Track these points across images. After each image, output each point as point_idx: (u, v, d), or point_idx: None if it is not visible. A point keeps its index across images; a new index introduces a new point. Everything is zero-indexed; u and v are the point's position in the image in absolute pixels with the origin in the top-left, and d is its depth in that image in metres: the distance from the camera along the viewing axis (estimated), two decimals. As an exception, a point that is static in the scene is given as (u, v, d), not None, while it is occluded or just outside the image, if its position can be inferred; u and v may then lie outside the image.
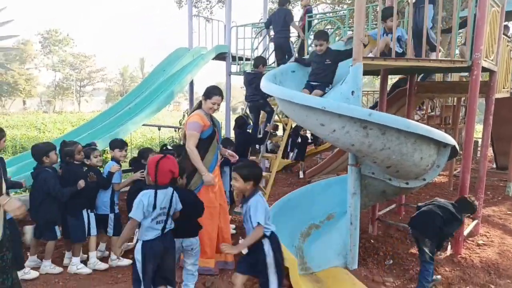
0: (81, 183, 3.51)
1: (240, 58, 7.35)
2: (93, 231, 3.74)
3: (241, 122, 5.30)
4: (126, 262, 3.87)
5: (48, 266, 3.56)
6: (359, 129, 2.95)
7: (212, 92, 3.60)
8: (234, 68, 7.41)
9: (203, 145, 3.58)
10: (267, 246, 2.68)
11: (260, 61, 5.54)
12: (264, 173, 5.32)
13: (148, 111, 5.30)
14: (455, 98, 7.72)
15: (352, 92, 3.38)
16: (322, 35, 4.11)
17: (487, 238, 4.83)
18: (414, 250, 4.34)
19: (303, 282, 3.19)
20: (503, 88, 5.51)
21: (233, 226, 4.78)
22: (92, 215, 3.75)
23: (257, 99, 5.33)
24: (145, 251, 2.63)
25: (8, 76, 35.21)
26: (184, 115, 10.42)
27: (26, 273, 3.39)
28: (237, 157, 3.98)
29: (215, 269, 3.63)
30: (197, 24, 7.37)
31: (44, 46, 44.22)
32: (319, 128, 3.12)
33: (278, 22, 6.09)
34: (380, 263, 3.95)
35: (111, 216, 3.86)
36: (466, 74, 6.65)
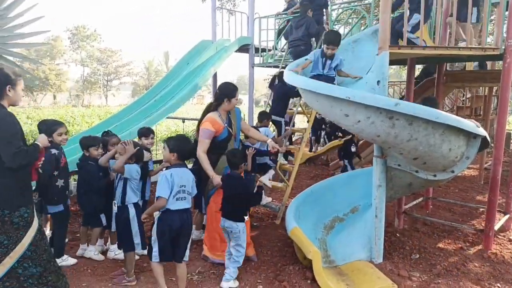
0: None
1: (263, 50, 7.32)
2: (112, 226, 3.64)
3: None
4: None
5: (92, 251, 3.71)
6: (384, 119, 2.89)
7: (234, 90, 3.66)
8: (257, 60, 7.39)
9: (220, 146, 3.65)
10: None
11: (308, 7, 5.57)
12: (287, 165, 5.31)
13: (173, 104, 5.39)
14: (487, 88, 7.41)
15: (378, 82, 3.31)
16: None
17: (520, 233, 4.66)
18: (441, 244, 4.24)
19: (327, 275, 3.18)
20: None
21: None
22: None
23: (298, 44, 5.40)
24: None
25: (39, 71, 36.54)
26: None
27: (64, 260, 3.53)
28: (278, 148, 3.83)
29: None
30: (221, 17, 7.40)
31: (73, 41, 45.51)
32: (344, 119, 3.08)
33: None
34: (406, 258, 3.87)
35: (140, 202, 3.85)
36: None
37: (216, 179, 3.48)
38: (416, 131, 2.91)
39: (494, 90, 7.34)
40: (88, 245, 3.79)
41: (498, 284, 3.36)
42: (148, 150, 4.05)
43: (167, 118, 6.98)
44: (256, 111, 6.29)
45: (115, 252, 3.73)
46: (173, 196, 2.84)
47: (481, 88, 7.57)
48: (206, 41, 7.11)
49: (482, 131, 3.02)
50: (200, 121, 3.71)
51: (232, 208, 3.29)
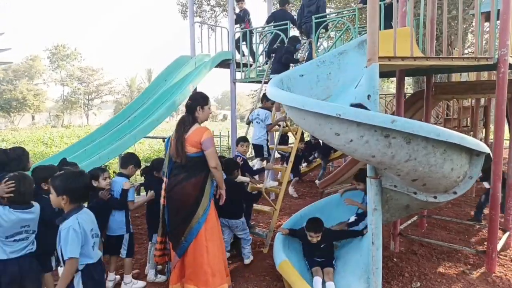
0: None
1: (245, 65, 7.04)
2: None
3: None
4: (141, 284, 3.59)
5: None
6: (380, 138, 2.58)
7: (206, 98, 3.39)
8: (238, 75, 7.11)
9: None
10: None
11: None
12: (273, 187, 4.96)
13: (148, 124, 4.98)
14: (474, 99, 7.29)
15: (369, 96, 3.01)
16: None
17: (521, 251, 4.40)
18: (442, 269, 3.93)
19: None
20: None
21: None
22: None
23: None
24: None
25: (17, 92, 35.61)
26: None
27: None
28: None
29: None
30: (200, 32, 7.13)
31: (52, 61, 44.81)
32: (334, 138, 2.75)
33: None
34: (406, 286, 3.54)
35: (127, 236, 3.55)
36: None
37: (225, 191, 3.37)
38: (415, 150, 2.60)
39: (482, 101, 7.23)
40: None
41: (509, 315, 3.06)
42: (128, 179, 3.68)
43: (146, 138, 6.59)
44: (240, 127, 6.00)
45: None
46: (91, 246, 2.33)
47: (468, 99, 7.45)
48: (184, 56, 6.78)
49: (485, 148, 2.75)
50: (182, 134, 3.24)
51: (232, 208, 3.84)
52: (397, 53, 3.27)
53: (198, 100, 3.32)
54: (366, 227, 3.72)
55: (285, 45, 5.94)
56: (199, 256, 3.16)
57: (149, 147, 16.59)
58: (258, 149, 5.31)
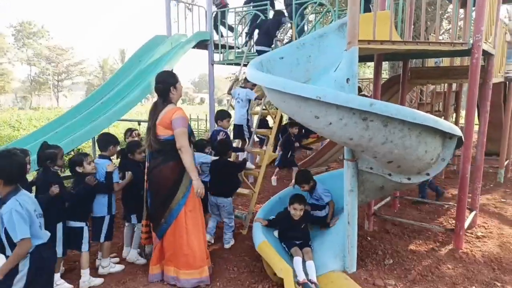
0: (54, 189, 3.00)
1: (224, 46, 6.92)
2: (85, 246, 3.29)
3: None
4: (119, 268, 3.56)
5: None
6: (358, 121, 2.63)
7: (174, 75, 3.28)
8: (217, 57, 6.98)
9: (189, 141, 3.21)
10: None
11: None
12: (252, 170, 4.98)
13: (122, 105, 4.81)
14: (446, 85, 7.51)
15: (347, 79, 3.04)
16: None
17: (486, 229, 4.66)
18: (413, 246, 4.11)
19: (299, 292, 2.88)
20: (498, 72, 5.29)
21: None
22: (86, 229, 3.31)
23: None
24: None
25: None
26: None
27: None
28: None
29: (208, 278, 3.31)
30: (177, 11, 6.88)
31: (18, 39, 42.44)
32: (314, 121, 2.78)
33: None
34: (379, 264, 3.68)
35: (107, 218, 3.48)
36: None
37: (200, 183, 3.14)
38: (392, 133, 2.67)
39: (454, 87, 7.46)
40: None
41: (474, 287, 3.25)
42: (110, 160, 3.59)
43: (121, 120, 6.41)
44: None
45: (56, 282, 3.15)
46: (38, 226, 2.26)
47: (440, 85, 7.67)
48: (160, 36, 6.56)
49: (458, 131, 2.85)
50: (154, 121, 3.16)
51: (223, 187, 4.08)
52: (376, 37, 3.30)
53: (169, 80, 3.21)
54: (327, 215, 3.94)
55: (270, 18, 5.86)
56: (179, 238, 3.16)
57: (123, 130, 16.24)
58: (239, 129, 5.28)
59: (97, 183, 3.32)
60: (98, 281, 3.32)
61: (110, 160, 3.59)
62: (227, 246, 4.10)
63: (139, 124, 9.07)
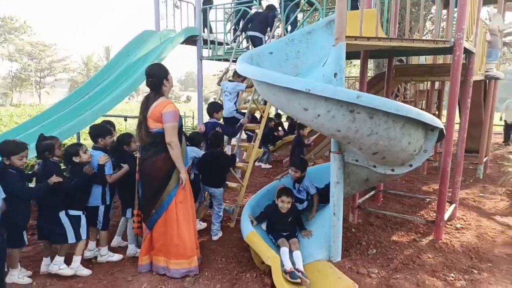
0: (54, 179, 3.08)
1: (212, 42, 6.94)
2: (84, 234, 3.36)
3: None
4: (117, 257, 3.59)
5: (15, 275, 3.14)
6: (345, 113, 2.72)
7: (164, 66, 3.31)
8: (205, 52, 7.00)
9: (180, 133, 3.25)
10: None
11: None
12: (241, 164, 5.04)
13: (110, 100, 4.80)
14: (429, 83, 7.72)
15: (335, 74, 3.14)
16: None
17: (464, 221, 4.83)
18: (395, 237, 4.24)
19: (286, 280, 2.96)
20: (479, 70, 5.49)
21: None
22: (83, 217, 3.36)
23: None
24: None
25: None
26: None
27: None
28: None
29: (197, 268, 3.36)
30: (166, 7, 6.86)
31: (-2, 34, 41.31)
32: (302, 113, 2.86)
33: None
34: (363, 253, 3.79)
35: (101, 208, 3.54)
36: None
37: (185, 175, 3.20)
38: (377, 125, 2.78)
39: (436, 86, 7.68)
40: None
41: (452, 275, 3.39)
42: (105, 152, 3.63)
43: (106, 116, 6.37)
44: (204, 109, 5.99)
45: (60, 266, 3.23)
46: None
47: (424, 83, 7.88)
48: (149, 31, 6.55)
49: (440, 123, 2.98)
50: (145, 115, 3.18)
51: (215, 178, 4.21)
52: (362, 34, 3.41)
53: (160, 73, 3.22)
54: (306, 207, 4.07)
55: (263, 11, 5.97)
56: (170, 229, 3.20)
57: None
58: (229, 122, 5.33)
59: (94, 172, 3.39)
60: (86, 272, 3.33)
61: (105, 151, 3.61)
62: (215, 238, 4.15)
63: (125, 120, 9.02)
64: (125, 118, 8.95)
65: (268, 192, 4.18)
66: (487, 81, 6.92)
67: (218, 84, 5.63)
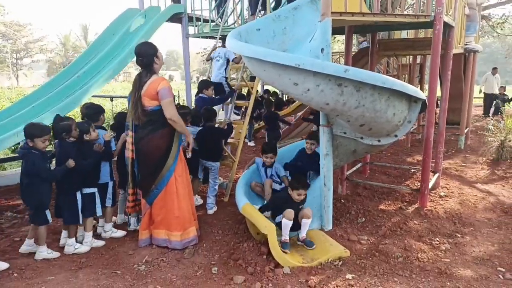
0: (71, 162, 3.20)
1: (198, 19, 6.87)
2: (99, 210, 3.52)
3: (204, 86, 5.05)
4: (120, 233, 3.70)
5: (44, 251, 3.26)
6: (334, 87, 2.83)
7: (152, 43, 3.39)
8: (191, 30, 6.94)
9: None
10: None
11: None
12: (232, 140, 5.14)
13: (100, 79, 4.77)
14: (411, 58, 7.87)
15: (322, 49, 3.23)
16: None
17: (448, 189, 5.07)
18: (383, 206, 4.46)
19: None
20: (458, 44, 5.64)
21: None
22: (97, 194, 3.51)
23: None
24: None
25: None
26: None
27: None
28: None
29: (197, 237, 3.52)
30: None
31: (-31, 14, 39.35)
32: (292, 88, 2.96)
33: None
34: (353, 222, 4.00)
35: (111, 184, 3.69)
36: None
37: (192, 140, 3.47)
38: (363, 98, 2.90)
39: (418, 60, 7.83)
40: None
41: (437, 239, 3.62)
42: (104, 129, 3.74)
43: (93, 96, 6.33)
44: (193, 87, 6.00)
45: (75, 246, 3.38)
46: None
47: (406, 58, 8.02)
48: (133, 9, 6.42)
49: (422, 95, 3.12)
50: (139, 93, 3.23)
51: (212, 152, 4.33)
52: (347, 10, 3.48)
53: (150, 51, 3.28)
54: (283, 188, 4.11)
55: None
56: (170, 202, 3.32)
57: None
58: (218, 88, 5.35)
59: (104, 150, 3.49)
60: (101, 243, 3.51)
61: (105, 129, 3.72)
62: (210, 212, 4.29)
63: (112, 100, 8.94)
64: (111, 98, 8.88)
65: (257, 165, 4.31)
66: (467, 54, 7.10)
67: (207, 60, 5.65)
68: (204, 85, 5.04)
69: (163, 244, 3.39)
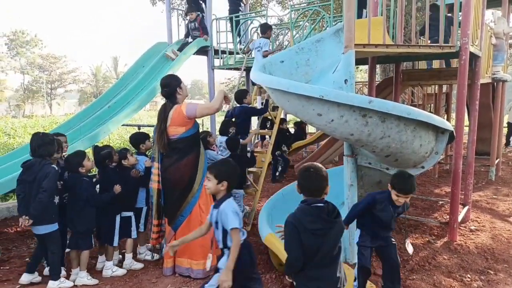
0: (118, 188, 3.42)
1: (223, 52, 7.14)
2: (134, 233, 3.68)
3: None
4: (139, 265, 3.72)
5: (85, 277, 3.35)
6: (358, 117, 2.84)
7: (176, 76, 3.60)
8: (216, 62, 7.19)
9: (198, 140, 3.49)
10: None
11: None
12: (254, 169, 5.16)
13: (130, 109, 5.01)
14: (437, 87, 7.79)
15: (345, 80, 3.27)
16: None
17: (478, 223, 4.86)
18: (410, 239, 4.26)
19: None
20: (486, 73, 5.57)
21: None
22: (133, 217, 3.68)
23: None
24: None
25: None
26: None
27: (62, 282, 3.25)
28: None
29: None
30: (177, 19, 7.11)
31: (11, 48, 42.29)
32: (316, 119, 2.98)
33: None
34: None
35: (145, 209, 3.84)
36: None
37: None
38: (389, 128, 2.89)
39: (444, 89, 7.73)
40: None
41: (468, 275, 3.45)
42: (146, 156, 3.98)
43: (122, 125, 6.56)
44: (218, 116, 6.13)
45: (112, 269, 3.49)
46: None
47: (431, 87, 7.95)
48: (161, 43, 6.78)
49: (449, 126, 3.08)
50: (165, 124, 3.37)
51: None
52: (370, 41, 3.54)
53: (174, 83, 3.46)
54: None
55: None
56: (194, 229, 3.32)
57: (119, 137, 16.21)
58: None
59: (140, 175, 3.67)
60: (139, 265, 3.65)
61: (146, 155, 3.92)
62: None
63: (139, 129, 9.22)
64: (139, 127, 9.16)
65: (283, 196, 4.29)
66: (495, 83, 6.97)
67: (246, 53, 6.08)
68: (242, 94, 5.08)
69: (186, 273, 3.38)
